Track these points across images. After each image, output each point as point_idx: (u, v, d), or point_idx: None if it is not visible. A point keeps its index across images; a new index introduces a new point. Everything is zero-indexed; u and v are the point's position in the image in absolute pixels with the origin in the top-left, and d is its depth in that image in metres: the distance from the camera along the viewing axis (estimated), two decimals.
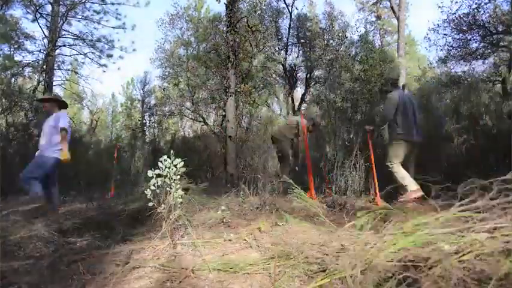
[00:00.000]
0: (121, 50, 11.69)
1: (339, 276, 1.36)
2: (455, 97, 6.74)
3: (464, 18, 8.41)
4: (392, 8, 13.14)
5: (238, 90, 8.41)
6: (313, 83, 11.66)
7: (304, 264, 1.68)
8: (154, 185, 2.41)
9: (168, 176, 2.43)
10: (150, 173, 2.46)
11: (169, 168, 2.44)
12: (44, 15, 10.86)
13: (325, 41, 10.42)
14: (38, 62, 10.82)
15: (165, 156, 2.50)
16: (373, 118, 5.99)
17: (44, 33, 10.74)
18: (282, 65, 11.46)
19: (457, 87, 8.65)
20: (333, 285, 1.37)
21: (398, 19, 12.24)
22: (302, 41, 11.38)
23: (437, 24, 9.24)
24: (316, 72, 11.56)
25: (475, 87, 6.62)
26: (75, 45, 11.42)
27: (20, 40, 10.85)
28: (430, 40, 9.77)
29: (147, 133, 11.91)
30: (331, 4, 12.01)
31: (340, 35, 9.86)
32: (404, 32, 12.27)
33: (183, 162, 2.47)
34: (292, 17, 11.27)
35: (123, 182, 7.01)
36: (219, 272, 1.68)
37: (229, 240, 2.46)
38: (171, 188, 2.43)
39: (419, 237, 1.25)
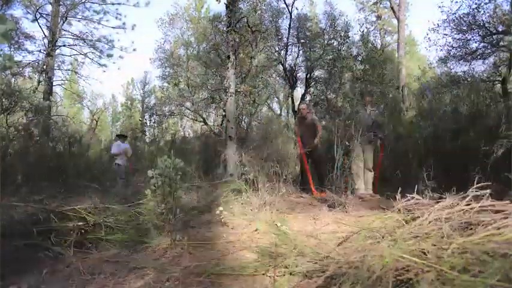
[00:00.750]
0: (121, 50, 11.70)
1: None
2: (456, 97, 6.74)
3: (464, 18, 8.39)
4: (392, 8, 13.15)
5: (238, 90, 8.41)
6: (313, 83, 11.66)
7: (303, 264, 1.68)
8: (154, 185, 2.41)
9: (168, 176, 2.43)
10: (150, 173, 2.46)
11: (169, 168, 2.44)
12: (44, 15, 10.87)
13: (326, 41, 10.42)
14: (38, 62, 10.84)
15: (165, 156, 2.50)
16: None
17: (44, 33, 10.75)
18: (282, 65, 11.45)
19: (457, 87, 8.65)
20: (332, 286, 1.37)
21: (398, 19, 12.25)
22: (302, 41, 11.38)
23: (437, 24, 9.22)
24: (316, 72, 11.56)
25: (475, 87, 6.62)
26: (75, 45, 11.44)
27: (20, 40, 10.87)
28: (430, 40, 9.75)
29: (147, 133, 11.92)
30: (331, 4, 12.02)
31: (342, 35, 9.87)
32: (404, 32, 12.29)
33: (183, 163, 2.47)
34: (292, 17, 11.27)
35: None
36: (219, 272, 1.68)
37: (230, 241, 2.46)
38: (171, 188, 2.43)
39: None
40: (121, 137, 7.34)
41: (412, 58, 19.72)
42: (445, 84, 8.78)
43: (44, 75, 10.52)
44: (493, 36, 8.22)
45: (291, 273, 1.58)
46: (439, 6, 8.92)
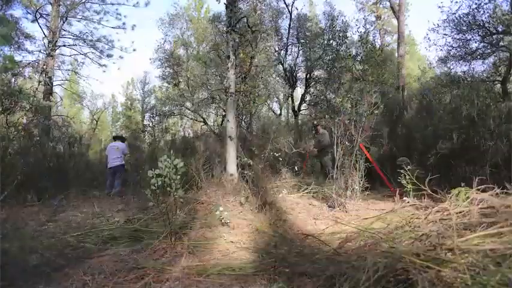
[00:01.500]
0: (121, 50, 11.70)
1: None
2: (455, 97, 6.74)
3: (464, 18, 8.37)
4: (392, 8, 13.14)
5: (238, 90, 8.40)
6: (313, 83, 11.66)
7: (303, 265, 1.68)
8: (154, 185, 2.41)
9: (168, 176, 2.42)
10: (150, 173, 2.46)
11: (169, 168, 2.44)
12: (44, 15, 10.87)
13: (325, 41, 10.42)
14: (38, 62, 10.83)
15: (165, 156, 2.50)
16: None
17: (44, 33, 10.74)
18: (282, 65, 11.45)
19: (457, 87, 8.64)
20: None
21: (398, 19, 12.24)
22: (302, 41, 11.38)
23: (437, 24, 9.20)
24: (316, 72, 11.56)
25: (475, 87, 6.61)
26: (75, 45, 11.43)
27: (20, 40, 10.86)
28: (430, 40, 9.74)
29: (147, 133, 11.89)
30: (331, 4, 12.03)
31: (340, 35, 9.86)
32: (404, 32, 12.27)
33: (183, 163, 2.47)
34: (292, 17, 11.27)
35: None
36: (219, 273, 1.68)
37: (230, 241, 2.46)
38: (171, 188, 2.43)
39: None
40: (119, 138, 7.33)
41: (412, 58, 19.72)
42: (445, 84, 8.78)
43: (44, 75, 10.51)
44: (493, 36, 8.22)
45: (291, 274, 1.58)
46: (439, 6, 8.91)
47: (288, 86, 11.32)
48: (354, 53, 9.75)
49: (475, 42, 8.63)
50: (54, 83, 11.41)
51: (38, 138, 6.97)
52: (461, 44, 8.82)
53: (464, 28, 8.43)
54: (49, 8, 10.87)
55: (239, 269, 1.72)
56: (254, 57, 9.00)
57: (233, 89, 5.71)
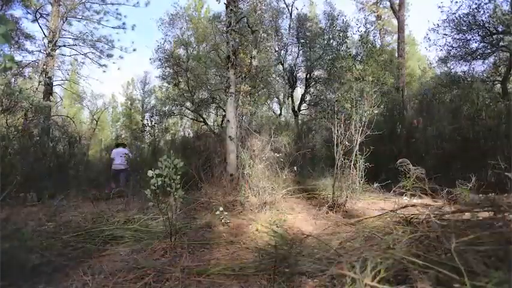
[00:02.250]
0: (121, 50, 11.70)
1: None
2: (455, 97, 6.75)
3: (464, 18, 8.38)
4: (392, 8, 13.14)
5: (238, 90, 8.39)
6: (313, 83, 11.66)
7: (303, 264, 1.69)
8: (154, 185, 2.41)
9: (168, 176, 2.42)
10: (150, 173, 2.46)
11: (169, 168, 2.44)
12: (44, 15, 10.87)
13: (325, 41, 10.41)
14: (38, 62, 10.83)
15: (165, 156, 2.50)
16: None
17: (44, 33, 10.75)
18: (282, 65, 11.45)
19: (457, 87, 8.64)
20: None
21: (398, 19, 12.25)
22: (302, 41, 11.37)
23: (437, 24, 9.20)
24: (316, 72, 11.56)
25: (475, 87, 6.62)
26: (75, 45, 11.43)
27: (20, 40, 10.87)
28: (430, 40, 9.74)
29: (146, 133, 11.88)
30: (331, 4, 12.03)
31: (340, 35, 9.86)
32: (404, 32, 12.27)
33: (182, 163, 2.46)
34: (292, 17, 11.27)
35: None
36: (219, 273, 1.68)
37: (230, 241, 2.46)
38: (171, 188, 2.43)
39: None
40: (121, 145, 7.78)
41: (412, 58, 19.71)
42: (445, 84, 8.78)
43: (44, 75, 10.51)
44: (493, 36, 8.22)
45: (291, 274, 1.58)
46: (439, 6, 8.92)
47: (288, 86, 11.31)
48: (354, 53, 9.75)
49: (475, 42, 8.64)
50: (54, 83, 11.42)
51: (38, 138, 6.96)
52: (461, 44, 8.82)
53: (464, 28, 8.44)
54: (49, 8, 10.87)
55: (239, 269, 1.72)
56: (254, 57, 9.00)
57: (233, 89, 5.71)
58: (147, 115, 14.12)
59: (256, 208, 3.87)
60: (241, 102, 8.62)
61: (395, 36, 14.92)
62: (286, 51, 11.46)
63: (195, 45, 11.96)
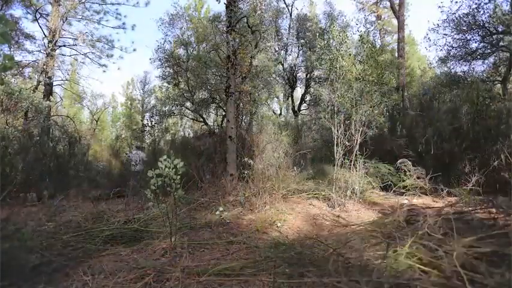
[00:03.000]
0: (121, 50, 11.71)
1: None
2: (455, 97, 6.75)
3: (464, 18, 8.38)
4: (392, 8, 13.13)
5: (238, 90, 8.38)
6: (313, 83, 11.66)
7: (302, 265, 1.68)
8: (154, 185, 2.40)
9: (168, 176, 2.42)
10: (150, 173, 2.45)
11: (169, 168, 2.43)
12: (44, 15, 10.86)
13: (325, 41, 10.41)
14: (38, 62, 10.83)
15: (165, 156, 2.49)
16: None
17: (44, 33, 10.74)
18: (282, 65, 11.45)
19: (457, 87, 8.63)
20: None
21: (398, 19, 12.24)
22: (302, 41, 11.37)
23: (437, 24, 9.21)
24: (316, 72, 11.56)
25: (475, 87, 6.62)
26: (75, 45, 11.42)
27: (20, 40, 10.86)
28: (430, 40, 9.74)
29: (146, 133, 11.88)
30: (331, 4, 12.03)
31: (340, 34, 9.86)
32: (404, 32, 12.26)
33: (182, 163, 2.46)
34: (292, 17, 11.28)
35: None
36: (219, 273, 1.68)
37: (230, 241, 2.46)
38: (171, 188, 2.43)
39: None
40: (140, 148, 8.39)
41: (412, 58, 19.71)
42: (445, 84, 8.78)
43: (44, 75, 10.51)
44: (493, 36, 8.22)
45: (291, 274, 1.58)
46: (439, 6, 8.92)
47: (288, 86, 11.31)
48: (354, 53, 9.74)
49: (475, 42, 8.64)
50: (54, 83, 11.42)
51: (38, 138, 6.96)
52: (461, 44, 8.82)
53: (464, 28, 8.44)
54: (49, 8, 10.87)
55: (239, 269, 1.72)
56: (254, 57, 9.00)
57: (233, 89, 5.71)
58: (147, 115, 14.12)
59: (256, 208, 3.87)
60: (241, 102, 8.63)
61: (395, 36, 14.92)
62: (286, 51, 11.46)
63: (195, 45, 11.95)
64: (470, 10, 8.22)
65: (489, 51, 8.62)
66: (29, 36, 10.87)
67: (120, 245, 2.44)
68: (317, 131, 9.36)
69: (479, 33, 8.34)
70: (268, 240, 2.41)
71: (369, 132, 5.17)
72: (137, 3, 10.95)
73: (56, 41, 10.68)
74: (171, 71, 11.47)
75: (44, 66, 10.34)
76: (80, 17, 11.12)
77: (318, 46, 8.25)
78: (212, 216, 3.49)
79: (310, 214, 3.72)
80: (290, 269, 1.61)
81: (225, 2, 5.57)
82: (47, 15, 10.87)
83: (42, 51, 10.78)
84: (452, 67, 9.38)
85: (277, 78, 11.57)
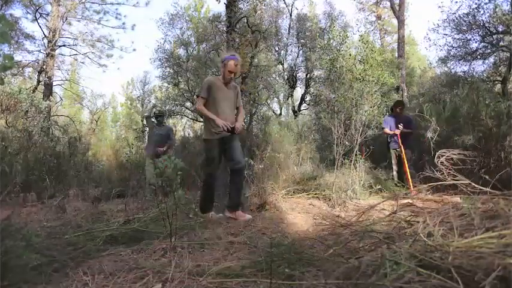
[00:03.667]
0: (121, 50, 11.73)
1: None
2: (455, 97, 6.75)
3: (464, 18, 8.39)
4: (392, 8, 13.14)
5: None
6: (313, 83, 11.67)
7: (302, 264, 1.68)
8: (154, 185, 2.40)
9: (168, 176, 2.42)
10: (149, 173, 2.45)
11: (169, 168, 2.43)
12: (44, 15, 10.87)
13: (325, 41, 10.42)
14: (37, 62, 10.83)
15: (165, 156, 2.49)
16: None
17: (43, 33, 10.75)
18: (282, 65, 11.46)
19: (457, 87, 8.63)
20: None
21: (398, 19, 12.25)
22: (302, 41, 11.38)
23: (437, 24, 9.22)
24: (316, 72, 11.57)
25: (475, 87, 6.62)
26: (75, 45, 11.44)
27: (20, 40, 10.87)
28: (430, 40, 9.76)
29: (146, 133, 11.89)
30: (331, 4, 12.04)
31: (340, 34, 9.88)
32: (404, 32, 12.27)
33: (183, 162, 2.46)
34: (292, 17, 11.29)
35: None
36: (219, 273, 1.68)
37: (230, 241, 2.46)
38: (171, 188, 2.43)
39: None
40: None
41: (412, 58, 19.73)
42: (445, 84, 8.78)
43: (43, 75, 10.52)
44: (493, 36, 8.22)
45: (291, 274, 1.58)
46: (439, 6, 8.93)
47: (288, 86, 11.31)
48: (354, 53, 9.75)
49: (475, 42, 8.65)
50: (54, 83, 11.42)
51: (38, 138, 6.97)
52: (461, 44, 8.83)
53: (464, 28, 8.44)
54: (49, 7, 10.88)
55: (239, 269, 1.72)
56: (254, 57, 9.00)
57: None
58: (146, 115, 14.10)
59: (256, 208, 3.87)
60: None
61: (395, 36, 14.93)
62: (286, 51, 11.47)
63: (195, 45, 11.95)
64: (470, 10, 8.23)
65: (489, 51, 8.63)
66: (28, 36, 10.88)
67: (120, 245, 2.43)
68: (317, 131, 9.37)
69: (480, 33, 8.34)
70: (268, 240, 2.40)
71: (369, 132, 5.18)
72: (137, 3, 10.98)
73: (56, 41, 10.69)
74: (171, 71, 11.47)
75: (44, 66, 10.34)
76: (80, 17, 11.14)
77: (318, 46, 8.25)
78: (212, 216, 3.49)
79: (310, 214, 3.72)
80: (290, 270, 1.61)
81: (225, 2, 5.58)
82: (47, 15, 10.89)
83: (42, 51, 10.80)
84: (452, 67, 9.39)
85: (277, 78, 11.58)
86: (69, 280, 1.76)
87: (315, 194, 4.87)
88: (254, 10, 9.32)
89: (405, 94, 10.50)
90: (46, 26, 10.76)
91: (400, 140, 5.62)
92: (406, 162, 5.41)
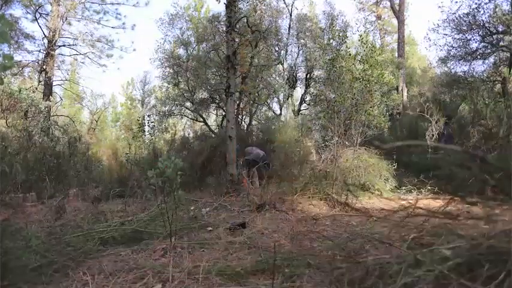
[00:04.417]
0: (121, 50, 11.72)
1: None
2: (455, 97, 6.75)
3: (464, 18, 8.38)
4: (392, 8, 13.14)
5: (238, 90, 8.39)
6: (313, 83, 11.66)
7: (302, 264, 1.68)
8: (154, 185, 2.40)
9: (168, 175, 2.41)
10: (149, 173, 2.45)
11: (169, 168, 2.43)
12: (44, 15, 10.86)
13: (325, 41, 10.42)
14: (37, 62, 10.83)
15: (165, 156, 2.49)
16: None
17: (43, 33, 10.74)
18: (282, 65, 11.45)
19: (457, 87, 8.64)
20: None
21: (398, 19, 12.25)
22: (302, 41, 11.38)
23: (437, 24, 9.21)
24: (316, 72, 11.56)
25: (475, 87, 6.63)
26: (75, 45, 11.42)
27: (20, 40, 10.86)
28: (430, 40, 9.75)
29: (146, 133, 11.88)
30: (331, 4, 12.03)
31: (340, 34, 9.88)
32: (404, 32, 12.27)
33: (183, 162, 2.46)
34: (292, 17, 11.28)
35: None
36: (219, 273, 1.68)
37: (230, 241, 2.46)
38: (171, 188, 2.42)
39: None
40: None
41: (412, 58, 19.72)
42: (445, 84, 8.78)
43: (43, 75, 10.51)
44: (493, 36, 8.22)
45: (291, 275, 1.58)
46: (439, 6, 8.92)
47: (288, 86, 11.31)
48: (354, 53, 9.76)
49: (475, 42, 8.64)
50: (54, 83, 11.42)
51: (38, 138, 6.97)
52: (461, 44, 8.82)
53: (465, 28, 8.44)
54: (49, 7, 10.87)
55: (239, 269, 1.72)
56: (254, 57, 8.99)
57: (233, 89, 5.71)
58: (146, 115, 14.11)
59: (256, 208, 3.86)
60: (241, 102, 8.64)
61: (395, 36, 14.92)
62: (286, 51, 11.46)
63: (195, 45, 11.94)
64: (470, 10, 8.22)
65: (489, 51, 8.62)
66: (28, 36, 10.87)
67: (120, 245, 2.43)
68: (317, 131, 9.36)
69: (480, 33, 8.34)
70: (268, 240, 2.40)
71: (368, 132, 5.18)
72: (137, 3, 10.97)
73: (56, 41, 10.68)
74: (171, 71, 11.46)
75: (44, 66, 10.34)
76: (80, 16, 11.13)
77: (318, 46, 8.25)
78: (212, 216, 3.50)
79: (311, 214, 3.72)
80: (290, 270, 1.61)
81: (225, 2, 5.57)
82: (47, 15, 10.87)
83: (42, 51, 10.78)
84: (452, 67, 9.38)
85: (277, 78, 11.57)
86: (69, 280, 1.76)
87: (315, 194, 4.87)
88: (254, 10, 9.32)
89: (405, 94, 10.50)
90: (46, 26, 10.75)
91: None
92: None
